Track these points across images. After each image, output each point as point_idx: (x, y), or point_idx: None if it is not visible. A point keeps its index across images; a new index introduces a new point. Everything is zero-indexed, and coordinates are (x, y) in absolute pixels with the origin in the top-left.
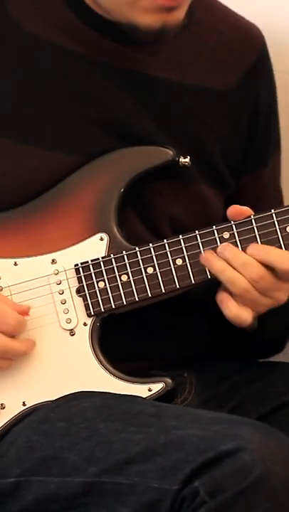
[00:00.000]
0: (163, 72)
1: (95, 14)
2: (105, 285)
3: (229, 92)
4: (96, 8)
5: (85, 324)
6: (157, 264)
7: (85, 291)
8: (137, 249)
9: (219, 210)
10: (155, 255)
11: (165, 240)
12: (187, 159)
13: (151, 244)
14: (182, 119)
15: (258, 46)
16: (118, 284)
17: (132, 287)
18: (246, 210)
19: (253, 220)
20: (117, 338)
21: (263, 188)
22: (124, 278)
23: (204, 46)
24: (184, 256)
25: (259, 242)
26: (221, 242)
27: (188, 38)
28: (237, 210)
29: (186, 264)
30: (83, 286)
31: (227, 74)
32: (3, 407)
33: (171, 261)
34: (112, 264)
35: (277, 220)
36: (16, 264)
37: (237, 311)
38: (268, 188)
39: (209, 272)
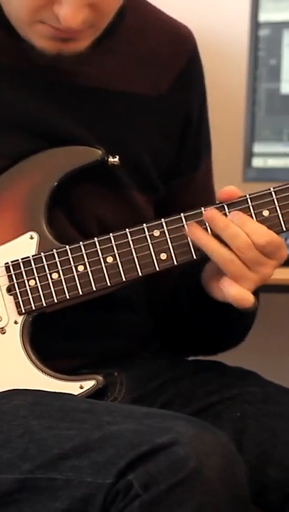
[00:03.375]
0: (89, 80)
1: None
2: (36, 283)
3: (161, 97)
4: None
5: (15, 322)
6: (88, 262)
7: (15, 289)
8: (67, 247)
9: (148, 214)
10: (86, 253)
11: (95, 238)
12: (116, 159)
13: (81, 243)
14: (111, 125)
15: (189, 50)
16: (49, 283)
17: (62, 285)
18: (234, 191)
19: (183, 218)
20: (48, 336)
21: (195, 192)
22: (55, 276)
23: (134, 51)
24: (115, 254)
25: (189, 240)
26: (151, 240)
27: (117, 43)
28: (227, 193)
29: (117, 262)
30: (14, 284)
31: (158, 79)
32: None
33: (101, 259)
34: (43, 262)
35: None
36: None
37: (241, 291)
38: (200, 192)
39: (140, 270)
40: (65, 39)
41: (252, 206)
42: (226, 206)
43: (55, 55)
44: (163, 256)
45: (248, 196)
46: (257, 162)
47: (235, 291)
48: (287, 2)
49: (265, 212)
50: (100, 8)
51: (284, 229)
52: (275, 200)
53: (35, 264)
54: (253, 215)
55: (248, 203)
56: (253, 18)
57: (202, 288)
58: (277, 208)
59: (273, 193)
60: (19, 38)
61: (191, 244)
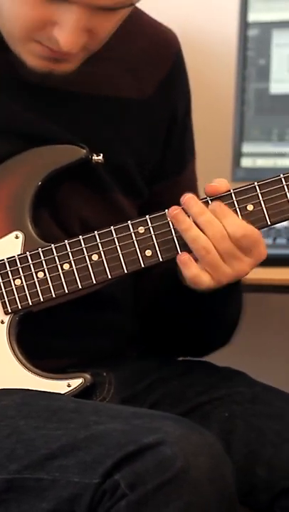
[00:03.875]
0: (74, 84)
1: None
2: (22, 283)
3: (145, 100)
4: None
5: (2, 322)
6: (73, 260)
7: (1, 289)
8: (52, 246)
9: (132, 218)
10: (71, 251)
11: (80, 237)
12: (100, 157)
13: (66, 241)
14: (96, 129)
15: (173, 53)
16: (35, 282)
17: (48, 284)
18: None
19: (168, 215)
20: (35, 335)
21: (180, 195)
22: (41, 275)
23: (119, 56)
24: (100, 251)
25: (174, 236)
26: (136, 237)
27: (103, 48)
28: (213, 188)
29: (102, 260)
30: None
31: (143, 83)
32: None
33: (87, 257)
34: (28, 261)
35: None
36: None
37: (197, 272)
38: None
39: (126, 267)
40: (58, 60)
41: (236, 201)
42: (209, 201)
43: (46, 73)
44: (148, 253)
45: (232, 191)
46: (246, 162)
47: (194, 272)
48: (276, 2)
49: (250, 207)
50: (97, 33)
51: (268, 223)
52: (260, 195)
53: (20, 264)
54: (238, 209)
55: (232, 198)
56: (242, 18)
57: (181, 284)
58: (262, 202)
59: (257, 187)
60: (7, 49)
61: (176, 240)
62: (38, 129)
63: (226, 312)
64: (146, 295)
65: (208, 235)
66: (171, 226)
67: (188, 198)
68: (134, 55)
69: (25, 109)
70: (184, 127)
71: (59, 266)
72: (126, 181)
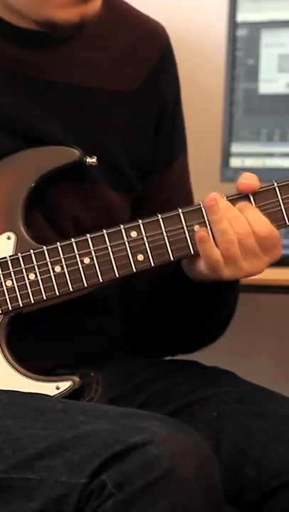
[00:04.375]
0: (62, 75)
1: None
2: (13, 284)
3: (133, 92)
4: None
5: None
6: (65, 263)
7: None
8: (44, 248)
9: (124, 214)
10: (63, 254)
11: (73, 239)
12: (94, 159)
13: (58, 244)
14: (85, 122)
15: (161, 46)
16: (26, 283)
17: (39, 286)
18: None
19: (161, 220)
20: (25, 336)
21: (171, 189)
22: (32, 277)
23: (107, 47)
24: (92, 255)
25: (167, 242)
26: (128, 242)
27: (90, 39)
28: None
29: (94, 263)
30: None
31: (131, 75)
32: None
33: (78, 260)
34: (20, 262)
35: (184, 220)
36: None
37: (216, 254)
38: (176, 189)
39: (117, 271)
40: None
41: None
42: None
43: (79, 22)
44: (140, 257)
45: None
46: (235, 162)
47: (208, 250)
48: (265, 2)
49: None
50: None
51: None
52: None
53: (12, 265)
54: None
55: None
56: (230, 18)
57: (181, 271)
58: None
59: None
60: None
61: (168, 245)
62: (26, 123)
63: (223, 307)
64: (141, 294)
65: (235, 230)
66: (164, 231)
67: (215, 194)
68: (122, 47)
69: (12, 101)
70: (174, 120)
71: (51, 268)
72: (117, 174)
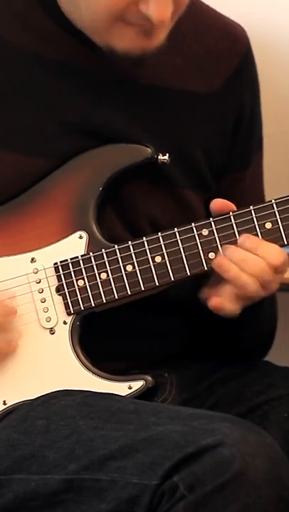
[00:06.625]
0: (145, 78)
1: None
2: (85, 283)
3: (213, 94)
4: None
5: (64, 323)
6: (136, 261)
7: (64, 289)
8: (116, 247)
9: (200, 213)
10: (134, 253)
11: (144, 238)
12: (166, 156)
13: (130, 242)
14: (165, 122)
15: (242, 49)
16: (97, 283)
17: (111, 285)
18: (229, 205)
19: (232, 217)
20: (97, 338)
21: (245, 190)
22: (104, 276)
23: (188, 49)
24: (163, 253)
25: (237, 239)
26: (199, 239)
27: (172, 42)
28: (220, 204)
29: (166, 262)
30: (63, 284)
31: (211, 77)
32: None
33: (150, 258)
34: (92, 262)
35: (256, 217)
36: None
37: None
38: (250, 190)
39: (189, 269)
40: (149, 33)
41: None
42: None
43: (140, 54)
44: (211, 255)
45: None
46: None
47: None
48: None
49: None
50: (179, 1)
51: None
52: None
53: (84, 264)
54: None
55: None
56: None
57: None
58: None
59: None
60: (89, 45)
61: (239, 243)
62: (107, 125)
63: (255, 327)
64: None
65: (248, 272)
66: (235, 229)
67: (227, 247)
68: (203, 49)
69: (95, 104)
70: (252, 122)
71: (122, 267)
72: (194, 175)
